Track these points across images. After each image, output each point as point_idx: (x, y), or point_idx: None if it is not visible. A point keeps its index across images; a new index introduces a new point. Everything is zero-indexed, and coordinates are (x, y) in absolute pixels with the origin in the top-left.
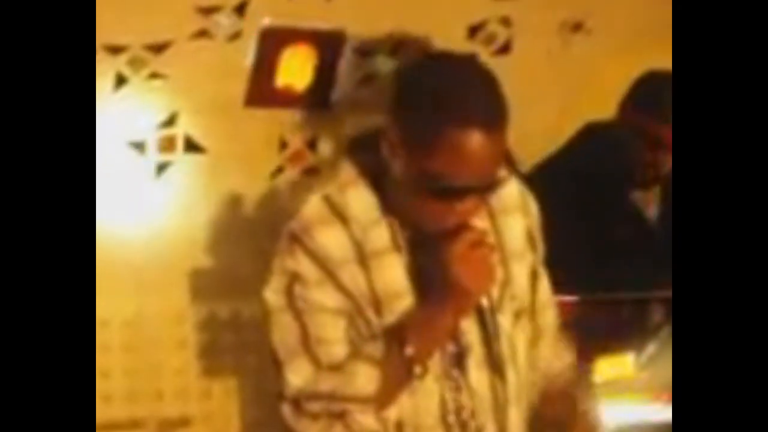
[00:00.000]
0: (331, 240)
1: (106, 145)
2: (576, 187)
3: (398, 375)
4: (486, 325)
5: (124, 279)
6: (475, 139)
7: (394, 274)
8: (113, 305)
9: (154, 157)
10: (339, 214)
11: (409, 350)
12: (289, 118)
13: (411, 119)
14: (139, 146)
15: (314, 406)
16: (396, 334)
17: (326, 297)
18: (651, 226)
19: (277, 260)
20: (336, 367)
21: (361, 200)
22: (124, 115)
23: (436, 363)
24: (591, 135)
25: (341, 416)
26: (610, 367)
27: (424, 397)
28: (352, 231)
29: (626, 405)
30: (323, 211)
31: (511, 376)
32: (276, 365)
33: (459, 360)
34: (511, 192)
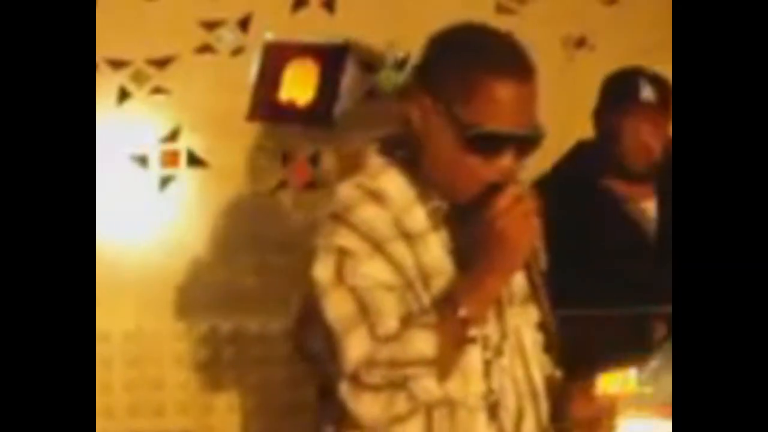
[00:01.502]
0: (374, 216)
1: (109, 159)
2: (570, 204)
3: (454, 339)
4: (534, 284)
5: (125, 293)
6: (508, 86)
7: (436, 252)
8: (114, 319)
9: (157, 171)
10: (375, 197)
11: (463, 312)
12: (291, 132)
13: (444, 76)
14: (142, 160)
15: (375, 377)
16: (447, 299)
17: (377, 271)
18: (650, 240)
19: (322, 240)
20: (393, 337)
21: (394, 184)
22: (127, 130)
23: (478, 347)
24: (580, 151)
25: (404, 387)
26: (612, 383)
27: (473, 378)
28: (390, 212)
29: (629, 420)
30: (359, 194)
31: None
32: (331, 344)
33: (499, 345)
34: None
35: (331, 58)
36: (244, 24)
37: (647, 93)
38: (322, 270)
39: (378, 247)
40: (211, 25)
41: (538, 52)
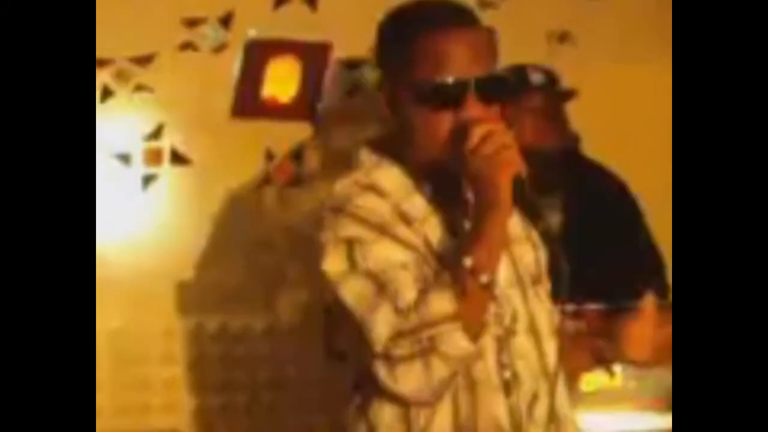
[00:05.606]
0: (374, 204)
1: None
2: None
3: (469, 291)
4: (529, 213)
5: (110, 291)
6: (451, 36)
7: (440, 233)
8: (100, 318)
9: (140, 169)
10: (373, 190)
11: (468, 261)
12: (275, 129)
13: (392, 52)
14: (125, 158)
15: (404, 348)
16: (451, 256)
17: (388, 252)
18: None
19: (327, 234)
20: (414, 307)
21: (389, 178)
22: (110, 128)
23: (491, 327)
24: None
25: (434, 349)
26: (598, 377)
27: (487, 355)
28: (388, 202)
29: (615, 415)
30: (356, 188)
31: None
32: (358, 332)
33: (511, 326)
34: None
35: (313, 55)
36: (226, 21)
37: (537, 78)
38: (334, 263)
39: (383, 230)
40: (193, 23)
41: (521, 47)
